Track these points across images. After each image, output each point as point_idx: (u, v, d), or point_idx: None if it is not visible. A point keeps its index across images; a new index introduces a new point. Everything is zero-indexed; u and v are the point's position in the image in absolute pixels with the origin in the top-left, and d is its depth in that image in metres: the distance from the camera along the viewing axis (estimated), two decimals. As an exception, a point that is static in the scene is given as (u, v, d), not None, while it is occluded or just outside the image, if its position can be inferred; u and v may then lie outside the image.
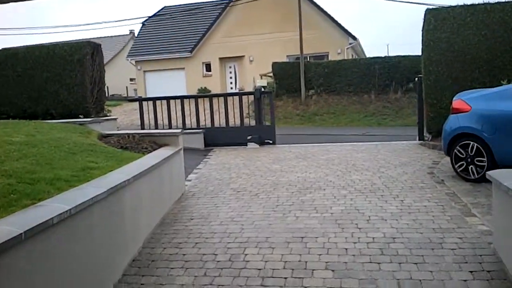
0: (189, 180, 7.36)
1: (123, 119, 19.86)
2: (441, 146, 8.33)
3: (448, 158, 7.16)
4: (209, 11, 29.28)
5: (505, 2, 9.42)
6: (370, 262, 3.88)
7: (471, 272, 3.62)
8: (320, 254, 4.08)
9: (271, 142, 11.47)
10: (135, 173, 4.40)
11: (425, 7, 10.24)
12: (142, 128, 12.30)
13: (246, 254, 4.17)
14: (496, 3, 9.47)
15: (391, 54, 25.01)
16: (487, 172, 4.00)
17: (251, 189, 6.65)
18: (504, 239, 3.68)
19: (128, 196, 4.18)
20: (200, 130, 11.48)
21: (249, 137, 11.37)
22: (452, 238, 4.30)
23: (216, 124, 11.86)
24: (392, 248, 4.13)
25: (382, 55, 24.64)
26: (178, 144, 6.62)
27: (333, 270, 3.77)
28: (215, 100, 12.31)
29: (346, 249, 4.17)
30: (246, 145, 11.31)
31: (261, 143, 11.37)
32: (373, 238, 4.40)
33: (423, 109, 10.55)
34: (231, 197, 6.28)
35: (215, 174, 7.81)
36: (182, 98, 12.53)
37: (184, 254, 4.27)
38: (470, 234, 4.38)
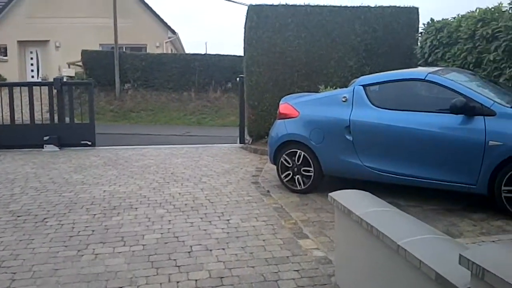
0: None
1: None
2: (266, 152, 7.91)
3: (271, 164, 6.68)
4: (7, -17, 24.86)
5: (323, 6, 9.51)
6: (193, 322, 2.89)
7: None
8: (124, 318, 2.92)
9: (89, 143, 9.76)
10: None
11: (241, 7, 9.87)
12: None
13: (7, 333, 2.76)
14: (315, 5, 9.50)
15: (210, 52, 24.73)
16: (329, 194, 3.38)
17: (38, 211, 5.06)
18: (350, 275, 3.08)
19: None
20: (-21, 129, 9.06)
21: (46, 138, 9.41)
22: (289, 271, 3.59)
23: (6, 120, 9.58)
24: (220, 295, 3.21)
25: (202, 52, 24.32)
26: None
27: None
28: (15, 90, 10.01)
29: (161, 303, 3.10)
30: (43, 148, 9.35)
31: (62, 145, 9.54)
32: (196, 280, 3.42)
33: (244, 111, 10.14)
34: (8, 225, 4.62)
35: (-12, 191, 5.91)
36: None
37: None
38: (307, 264, 3.73)
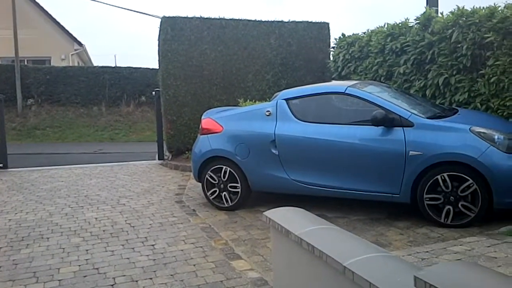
0: None
1: None
2: (188, 168, 7.68)
3: (194, 181, 6.45)
4: None
5: (238, 19, 9.50)
6: None
7: None
8: None
9: (1, 165, 8.92)
10: None
11: (153, 19, 9.59)
12: None
13: None
14: (230, 19, 9.46)
15: (119, 65, 23.77)
16: (264, 214, 3.24)
17: None
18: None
19: None
20: None
21: None
22: (224, 298, 3.40)
23: None
24: (151, 332, 2.93)
25: (112, 65, 23.31)
26: None
27: None
28: None
29: None
30: None
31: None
32: (124, 318, 3.10)
33: (162, 126, 9.78)
34: None
35: None
36: None
37: None
38: (242, 287, 3.56)
